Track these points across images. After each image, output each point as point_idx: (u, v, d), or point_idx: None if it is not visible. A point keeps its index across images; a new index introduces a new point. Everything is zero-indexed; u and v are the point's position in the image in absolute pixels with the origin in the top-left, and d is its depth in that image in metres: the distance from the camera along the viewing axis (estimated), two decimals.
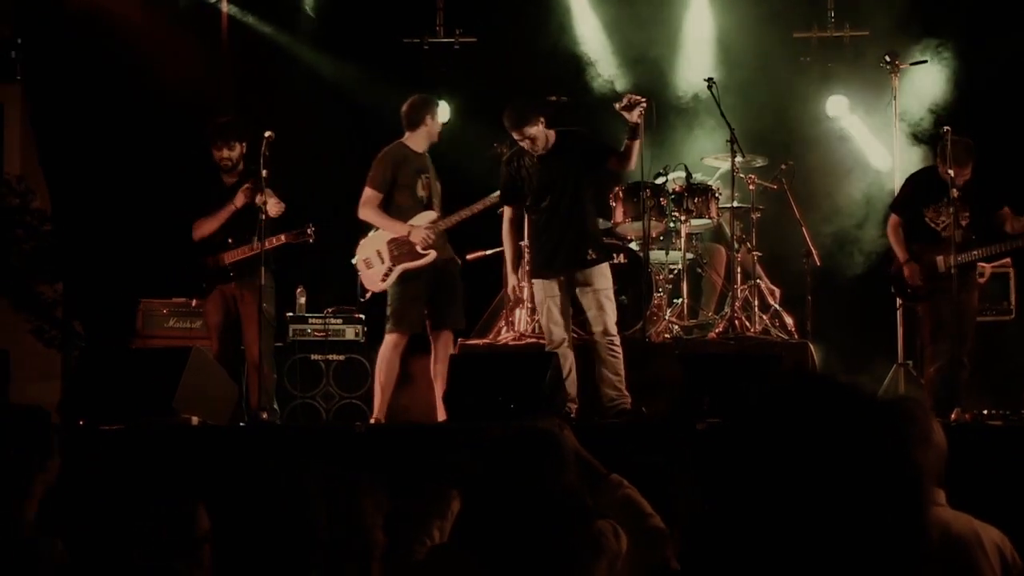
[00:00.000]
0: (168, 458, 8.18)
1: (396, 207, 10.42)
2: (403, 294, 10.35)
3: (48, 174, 12.67)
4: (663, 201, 11.35)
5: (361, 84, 13.83)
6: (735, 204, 11.66)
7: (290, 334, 11.98)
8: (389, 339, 10.34)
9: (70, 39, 13.03)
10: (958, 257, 9.93)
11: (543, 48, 13.72)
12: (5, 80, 12.68)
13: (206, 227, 10.54)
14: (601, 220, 11.06)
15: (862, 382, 1.94)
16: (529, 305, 11.61)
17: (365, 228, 10.64)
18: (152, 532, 4.15)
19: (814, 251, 11.95)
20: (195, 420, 9.06)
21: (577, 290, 9.93)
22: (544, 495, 3.77)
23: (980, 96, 12.57)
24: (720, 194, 11.63)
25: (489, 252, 11.78)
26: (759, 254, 11.74)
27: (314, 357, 11.97)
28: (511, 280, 10.27)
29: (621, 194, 11.37)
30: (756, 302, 11.45)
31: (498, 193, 10.41)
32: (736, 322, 11.25)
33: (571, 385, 9.73)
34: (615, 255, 11.00)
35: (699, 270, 12.09)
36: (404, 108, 10.55)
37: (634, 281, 10.90)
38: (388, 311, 10.42)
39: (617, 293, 10.15)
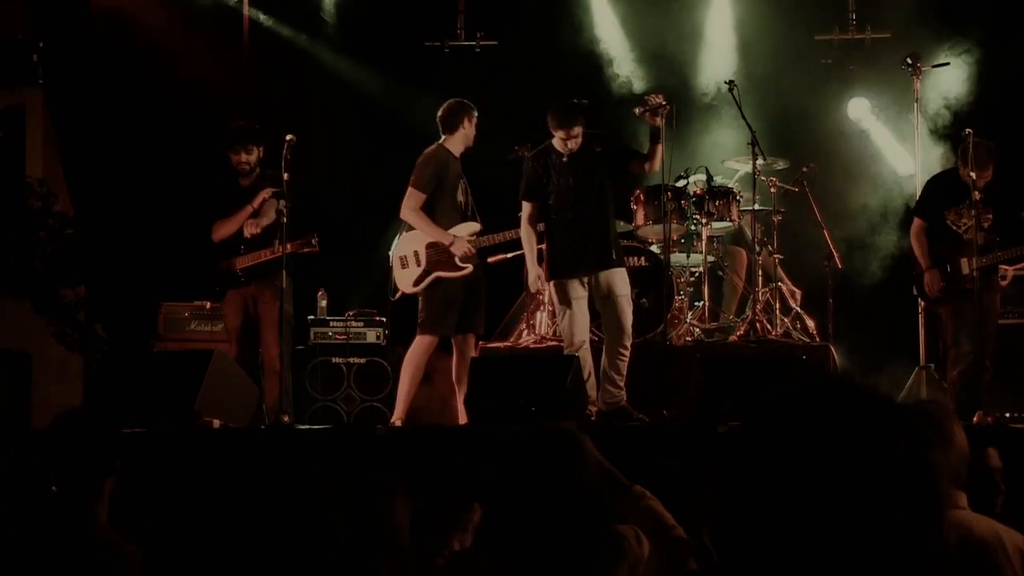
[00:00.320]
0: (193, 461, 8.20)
1: (438, 210, 10.34)
2: (440, 298, 10.28)
3: (70, 177, 12.70)
4: (684, 204, 11.34)
5: (382, 87, 13.86)
6: (756, 207, 11.65)
7: (311, 337, 11.99)
8: (422, 341, 10.30)
9: (91, 43, 13.07)
10: (981, 260, 9.89)
11: (563, 51, 13.74)
12: (27, 84, 12.71)
13: (225, 229, 10.58)
14: (621, 223, 11.08)
15: (880, 385, 1.94)
16: (550, 308, 11.62)
17: (383, 230, 10.62)
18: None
19: (835, 254, 11.93)
20: (216, 423, 9.07)
21: (596, 293, 9.93)
22: (565, 496, 3.76)
23: (1002, 97, 12.54)
24: (741, 197, 11.62)
25: (510, 255, 11.78)
26: (780, 257, 11.74)
27: (335, 360, 11.97)
28: (532, 272, 10.16)
29: (642, 197, 11.37)
30: (777, 305, 11.44)
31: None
32: (757, 325, 11.24)
33: (591, 388, 9.73)
34: (638, 258, 11.00)
35: (720, 273, 12.08)
36: (441, 112, 10.50)
37: (655, 284, 10.89)
38: (422, 314, 10.35)
39: (638, 296, 10.16)
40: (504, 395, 9.05)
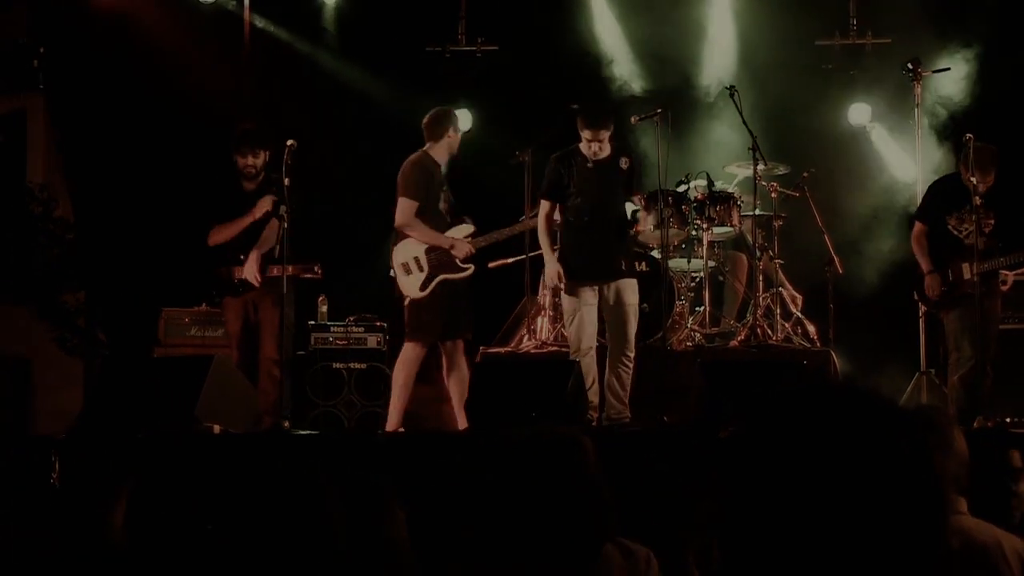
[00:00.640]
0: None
1: (427, 218, 10.29)
2: (425, 304, 10.29)
3: (70, 182, 12.71)
4: (685, 209, 11.35)
5: (383, 92, 13.86)
6: (757, 212, 11.65)
7: (312, 342, 11.97)
8: (410, 349, 10.27)
9: (92, 48, 13.08)
10: (982, 265, 9.89)
11: (565, 57, 13.75)
12: (28, 89, 12.73)
13: (222, 234, 10.52)
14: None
15: (882, 389, 1.93)
16: (551, 313, 11.62)
17: (384, 235, 10.61)
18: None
19: (836, 259, 11.93)
20: (217, 428, 9.06)
21: (605, 301, 9.94)
22: (566, 500, 3.75)
23: (1004, 102, 12.54)
24: (742, 202, 11.62)
25: (511, 260, 11.79)
26: (781, 262, 11.74)
27: (336, 365, 11.95)
28: (552, 267, 10.10)
29: (643, 202, 11.37)
30: (778, 310, 11.44)
31: (533, 216, 10.41)
32: (758, 330, 11.24)
33: (593, 394, 9.72)
34: (639, 263, 11.01)
35: (721, 278, 12.08)
36: (426, 120, 10.46)
37: (655, 289, 10.89)
38: (409, 321, 10.33)
39: (639, 301, 10.15)
40: (505, 400, 9.05)
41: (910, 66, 11.84)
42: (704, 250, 11.58)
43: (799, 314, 11.69)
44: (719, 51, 13.82)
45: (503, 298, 12.11)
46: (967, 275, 10.09)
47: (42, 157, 12.76)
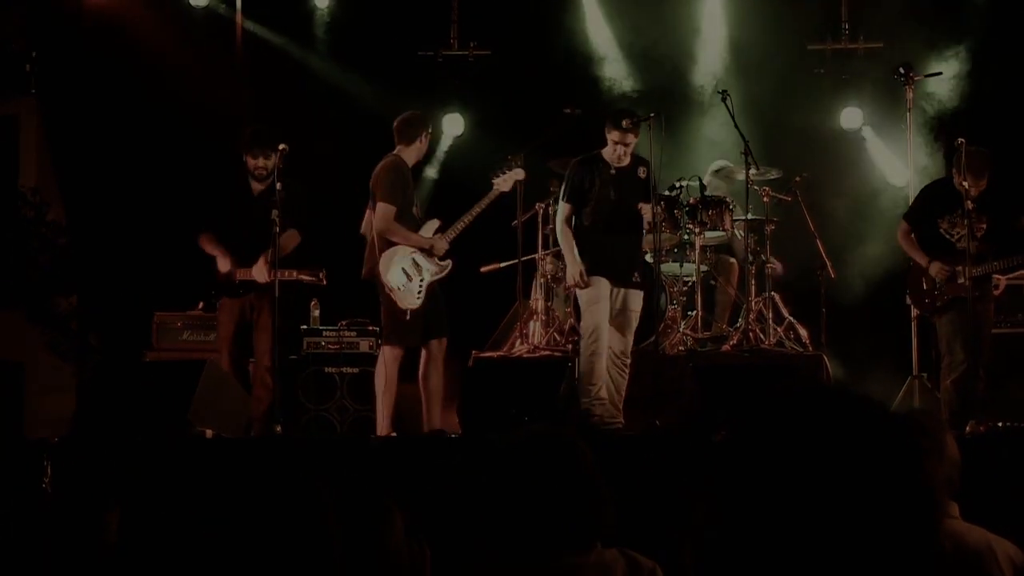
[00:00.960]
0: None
1: (403, 221, 10.30)
2: (399, 307, 10.27)
3: (63, 187, 12.70)
4: (677, 213, 11.35)
5: (376, 97, 13.84)
6: (749, 216, 11.65)
7: (304, 346, 11.98)
8: (387, 352, 10.23)
9: (84, 53, 13.08)
10: (975, 269, 9.91)
11: (557, 62, 13.75)
12: (21, 94, 12.71)
13: (207, 248, 10.52)
14: None
15: (874, 394, 1.94)
16: (543, 318, 11.62)
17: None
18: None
19: (828, 263, 11.94)
20: (209, 433, 9.06)
21: (612, 305, 10.00)
22: (561, 501, 3.74)
23: (995, 106, 12.57)
24: (734, 206, 11.62)
25: (503, 264, 11.79)
26: (773, 266, 11.73)
27: (328, 370, 11.95)
28: (574, 267, 10.06)
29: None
30: (770, 314, 11.44)
31: (495, 191, 10.43)
32: (750, 334, 11.24)
33: (600, 404, 9.78)
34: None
35: (712, 282, 12.08)
36: (398, 122, 10.46)
37: (647, 293, 10.89)
38: (390, 325, 10.28)
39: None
40: (497, 404, 9.06)
41: (902, 70, 11.86)
42: (696, 254, 11.58)
43: (791, 318, 11.69)
44: (710, 56, 13.82)
45: (495, 303, 12.11)
46: (959, 279, 10.11)
47: (35, 161, 12.74)
